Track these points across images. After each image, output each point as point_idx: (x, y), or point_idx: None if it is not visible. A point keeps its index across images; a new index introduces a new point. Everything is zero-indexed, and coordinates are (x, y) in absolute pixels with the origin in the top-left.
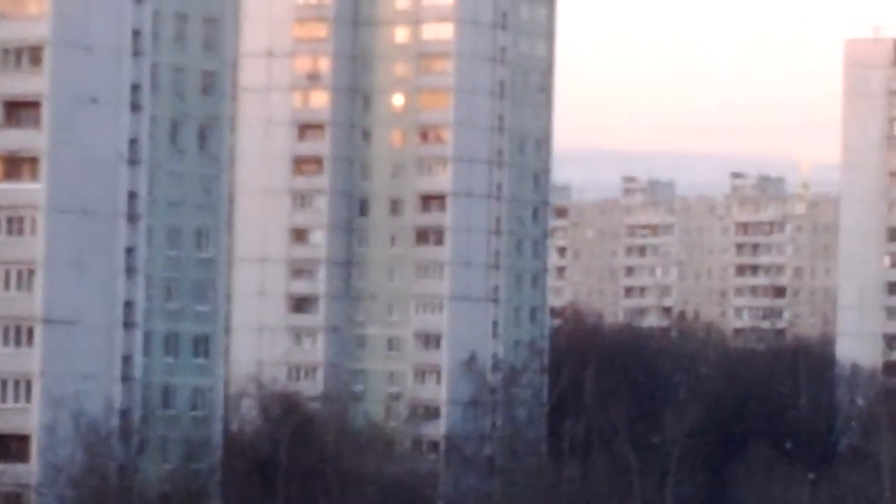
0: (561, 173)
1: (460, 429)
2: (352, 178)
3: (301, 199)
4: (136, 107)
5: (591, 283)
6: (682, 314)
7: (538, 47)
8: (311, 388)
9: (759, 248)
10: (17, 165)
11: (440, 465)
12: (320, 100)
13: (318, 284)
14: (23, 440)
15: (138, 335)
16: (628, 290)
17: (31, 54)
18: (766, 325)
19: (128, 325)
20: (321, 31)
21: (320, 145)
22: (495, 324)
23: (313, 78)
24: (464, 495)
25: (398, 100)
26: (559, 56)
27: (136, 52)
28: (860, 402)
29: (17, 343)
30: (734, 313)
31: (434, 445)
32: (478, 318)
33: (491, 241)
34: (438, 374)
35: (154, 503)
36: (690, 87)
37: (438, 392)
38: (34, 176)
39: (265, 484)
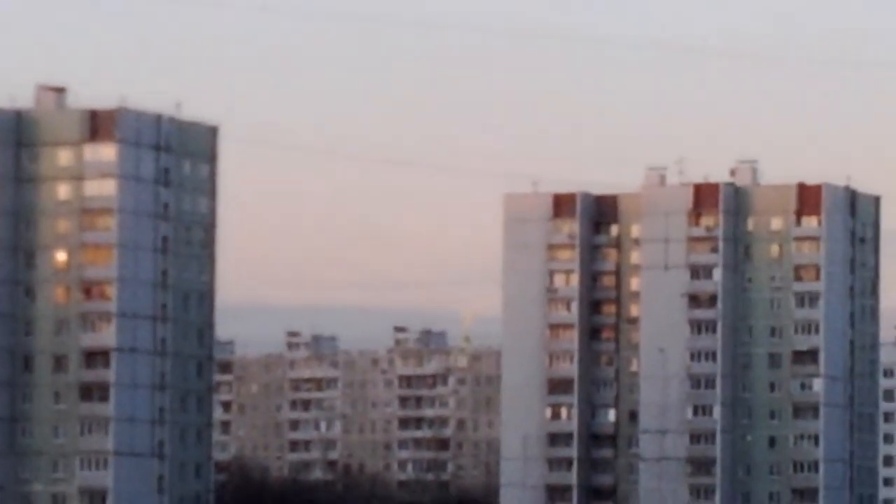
0: (225, 328)
1: None
2: (15, 334)
3: None
4: None
5: (256, 437)
6: (347, 467)
7: (201, 204)
8: None
9: (423, 400)
10: None
11: None
12: None
13: None
14: None
15: None
16: (293, 444)
17: None
18: (430, 477)
19: None
20: None
21: None
22: (160, 479)
23: None
24: None
25: (61, 256)
26: (222, 212)
27: None
28: None
29: None
30: (398, 466)
31: None
32: (143, 473)
33: (155, 397)
34: None
35: None
36: (352, 241)
37: None
38: None
39: None
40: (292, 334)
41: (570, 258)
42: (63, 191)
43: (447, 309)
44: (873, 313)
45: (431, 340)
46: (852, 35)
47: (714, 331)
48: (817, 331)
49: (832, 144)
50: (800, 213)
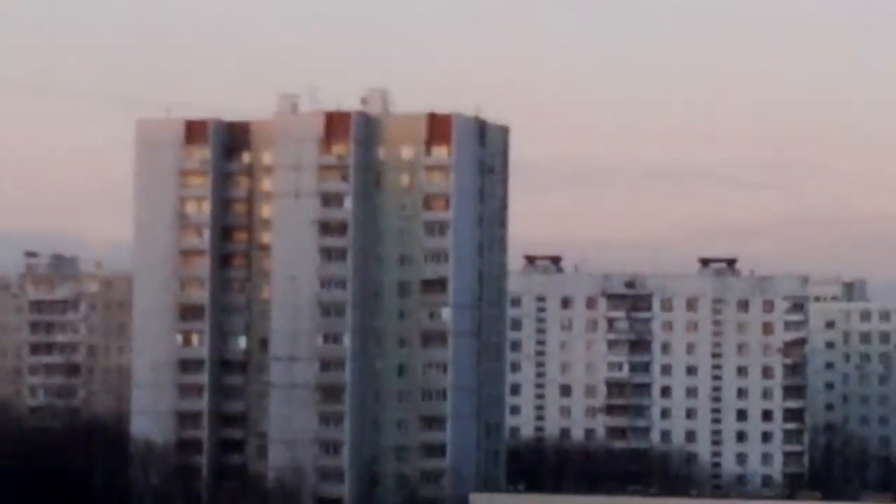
0: None
1: None
2: None
3: None
4: None
5: None
6: None
7: None
8: None
9: (54, 326)
10: None
11: None
12: None
13: None
14: None
15: None
16: None
17: None
18: (61, 403)
19: None
20: None
21: None
22: None
23: None
24: None
25: None
26: None
27: None
28: (154, 479)
29: None
30: (29, 392)
31: None
32: None
33: None
34: None
35: None
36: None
37: None
38: None
39: None
40: None
41: (202, 185)
42: None
43: (79, 234)
44: (501, 243)
45: (63, 266)
46: None
47: (344, 259)
48: (446, 260)
49: (463, 75)
50: (430, 143)
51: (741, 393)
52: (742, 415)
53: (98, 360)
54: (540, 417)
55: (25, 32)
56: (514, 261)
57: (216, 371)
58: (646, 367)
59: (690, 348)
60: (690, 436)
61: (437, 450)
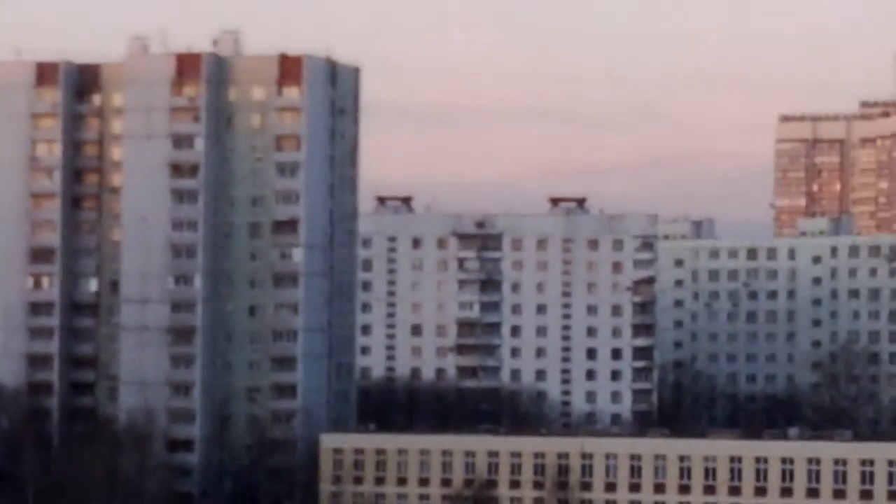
0: None
1: None
2: None
3: None
4: None
5: None
6: None
7: None
8: None
9: None
10: None
11: None
12: None
13: None
14: None
15: None
16: None
17: None
18: None
19: None
20: None
21: None
22: None
23: None
24: None
25: None
26: None
27: None
28: (4, 422)
29: None
30: None
31: None
32: None
33: None
34: None
35: None
36: None
37: None
38: None
39: None
40: None
41: (53, 127)
42: None
43: None
44: (352, 183)
45: None
46: None
47: (196, 200)
48: (297, 200)
49: (314, 16)
50: (281, 84)
51: (591, 331)
52: (592, 353)
53: None
54: (391, 357)
55: None
56: (366, 202)
57: (67, 313)
58: (496, 307)
59: (540, 287)
60: (540, 375)
61: (288, 390)
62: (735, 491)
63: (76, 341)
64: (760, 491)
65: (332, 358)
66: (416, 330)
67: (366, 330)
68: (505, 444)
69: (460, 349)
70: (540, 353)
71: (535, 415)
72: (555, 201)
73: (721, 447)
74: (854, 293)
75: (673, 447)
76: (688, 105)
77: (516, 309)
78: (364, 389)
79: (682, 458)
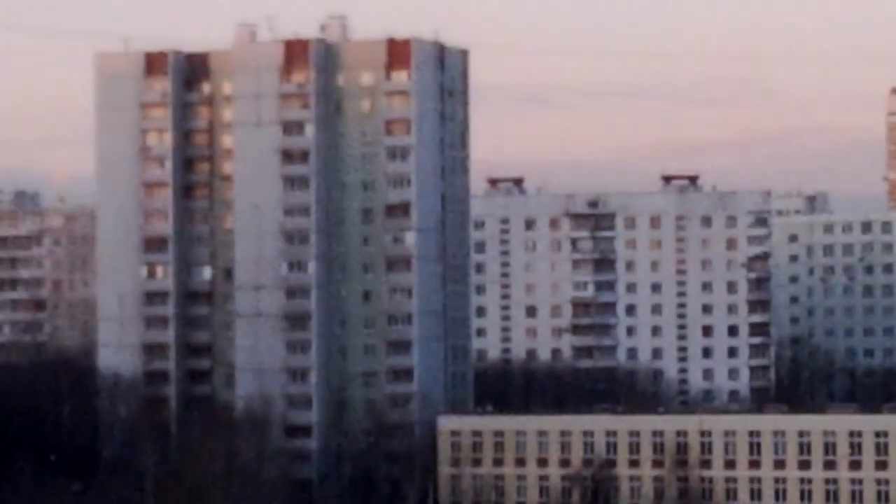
0: None
1: None
2: None
3: None
4: None
5: None
6: None
7: None
8: None
9: (18, 262)
10: None
11: None
12: None
13: None
14: None
15: None
16: None
17: None
18: (27, 339)
19: None
20: None
21: None
22: None
23: None
24: None
25: None
26: None
27: None
28: (122, 412)
29: None
30: None
31: None
32: None
33: None
34: None
35: None
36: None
37: None
38: None
39: None
40: None
41: (163, 116)
42: None
43: (40, 169)
44: (463, 166)
45: (25, 201)
46: None
47: (307, 186)
48: (409, 184)
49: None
50: (389, 68)
51: (706, 309)
52: (707, 330)
53: (63, 295)
54: (506, 339)
55: None
56: (477, 184)
57: (181, 302)
58: (610, 286)
59: (654, 266)
60: (657, 353)
61: (405, 374)
62: (855, 466)
63: (191, 330)
64: (881, 465)
65: (447, 341)
66: (531, 311)
67: (480, 312)
68: (623, 423)
69: (575, 329)
70: (655, 331)
71: (651, 393)
72: (667, 179)
73: (840, 422)
74: None
75: (792, 423)
76: (798, 80)
77: (631, 288)
78: (480, 371)
79: (801, 434)
